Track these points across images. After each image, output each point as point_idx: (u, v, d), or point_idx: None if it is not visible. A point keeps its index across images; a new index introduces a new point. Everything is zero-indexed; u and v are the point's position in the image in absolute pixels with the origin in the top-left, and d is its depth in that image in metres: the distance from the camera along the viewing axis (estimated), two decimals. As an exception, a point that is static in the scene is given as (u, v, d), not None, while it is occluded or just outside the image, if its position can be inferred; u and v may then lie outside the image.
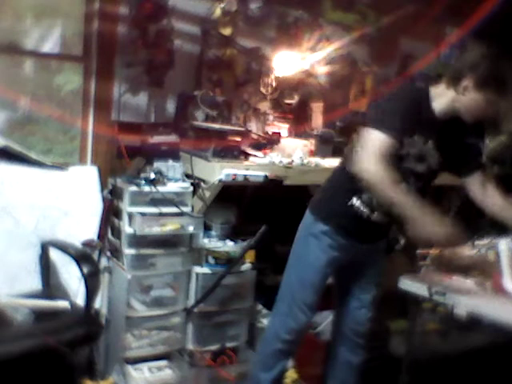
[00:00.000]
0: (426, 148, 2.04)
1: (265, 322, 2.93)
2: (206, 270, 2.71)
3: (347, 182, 2.09)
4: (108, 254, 2.68)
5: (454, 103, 2.01)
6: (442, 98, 2.02)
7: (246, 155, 2.81)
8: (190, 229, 2.62)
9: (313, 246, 2.20)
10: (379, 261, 2.37)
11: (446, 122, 2.04)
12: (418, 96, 2.04)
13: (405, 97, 2.03)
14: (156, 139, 2.72)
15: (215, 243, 2.75)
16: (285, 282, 2.30)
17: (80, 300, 2.33)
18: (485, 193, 2.13)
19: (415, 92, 2.09)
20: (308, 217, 2.25)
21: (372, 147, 1.89)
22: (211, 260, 2.71)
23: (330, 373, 2.44)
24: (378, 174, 1.87)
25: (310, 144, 3.15)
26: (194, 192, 2.68)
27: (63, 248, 2.42)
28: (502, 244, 2.11)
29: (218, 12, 3.01)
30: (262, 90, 3.25)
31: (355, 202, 2.12)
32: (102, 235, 2.67)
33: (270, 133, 3.18)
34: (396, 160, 1.98)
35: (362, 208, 2.12)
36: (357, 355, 2.39)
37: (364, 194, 2.09)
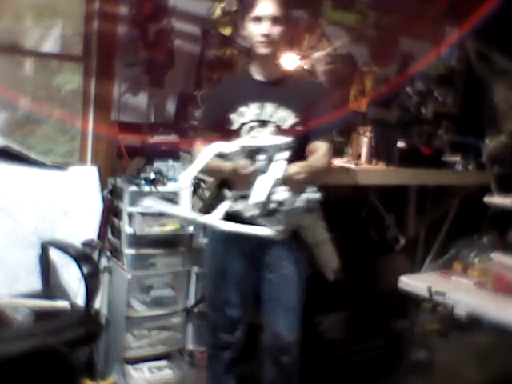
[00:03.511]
0: None
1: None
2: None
3: None
4: (108, 254, 2.68)
5: None
6: None
7: (246, 155, 2.80)
8: (190, 229, 2.62)
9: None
10: (284, 258, 2.10)
11: None
12: None
13: None
14: (156, 139, 2.72)
15: (215, 243, 2.75)
16: None
17: (80, 300, 2.33)
18: None
19: None
20: None
21: None
22: (211, 260, 2.71)
23: None
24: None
25: (309, 144, 3.14)
26: (194, 192, 2.68)
27: (63, 248, 2.42)
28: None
29: (217, 12, 3.00)
30: (262, 89, 3.24)
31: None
32: (101, 235, 2.67)
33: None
34: None
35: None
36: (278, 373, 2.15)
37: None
